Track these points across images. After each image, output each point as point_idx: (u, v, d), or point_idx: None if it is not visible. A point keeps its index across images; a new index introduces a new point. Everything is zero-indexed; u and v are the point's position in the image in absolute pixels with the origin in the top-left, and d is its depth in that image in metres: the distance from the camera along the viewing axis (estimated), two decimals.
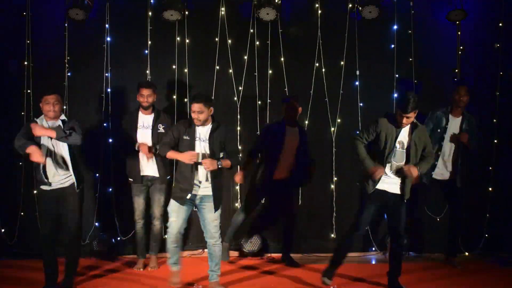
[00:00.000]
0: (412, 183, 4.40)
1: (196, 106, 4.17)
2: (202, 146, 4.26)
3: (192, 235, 5.75)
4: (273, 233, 5.75)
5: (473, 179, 5.43)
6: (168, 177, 5.22)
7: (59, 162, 4.31)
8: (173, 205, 4.32)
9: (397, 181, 4.35)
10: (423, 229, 5.77)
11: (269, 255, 5.67)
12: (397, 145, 4.31)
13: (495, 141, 5.75)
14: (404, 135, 4.33)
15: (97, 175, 5.64)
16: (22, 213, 5.58)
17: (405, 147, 4.31)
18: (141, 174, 5.06)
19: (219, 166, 4.20)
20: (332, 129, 5.88)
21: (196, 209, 4.41)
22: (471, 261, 5.46)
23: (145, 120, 5.09)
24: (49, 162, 4.28)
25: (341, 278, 4.75)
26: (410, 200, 4.44)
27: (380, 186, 4.33)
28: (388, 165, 4.32)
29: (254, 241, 5.62)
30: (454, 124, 5.19)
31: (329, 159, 5.85)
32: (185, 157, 4.16)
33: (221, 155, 4.33)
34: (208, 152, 4.25)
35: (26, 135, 4.23)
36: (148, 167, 5.06)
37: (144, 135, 5.05)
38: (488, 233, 5.74)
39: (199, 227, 5.47)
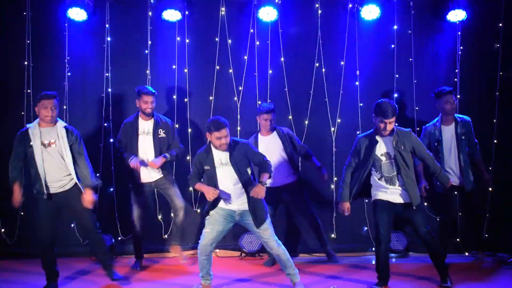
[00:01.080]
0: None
1: (224, 132, 4.11)
2: (224, 170, 4.20)
3: (193, 235, 5.76)
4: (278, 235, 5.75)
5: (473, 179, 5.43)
6: (173, 177, 5.26)
7: (59, 167, 4.30)
8: (211, 216, 4.28)
9: (398, 190, 4.31)
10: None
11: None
12: (382, 158, 4.29)
13: (495, 141, 5.75)
14: (388, 146, 4.29)
15: (97, 175, 5.63)
16: (22, 213, 5.58)
17: (392, 157, 4.28)
18: (143, 181, 5.07)
19: (266, 186, 4.13)
20: (332, 129, 5.88)
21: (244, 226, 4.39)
22: (471, 261, 5.45)
23: (145, 127, 5.08)
24: (47, 170, 4.27)
25: (341, 278, 4.76)
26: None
27: (383, 196, 4.34)
28: (382, 179, 4.32)
29: (254, 241, 5.62)
30: (447, 132, 5.11)
31: (329, 159, 5.84)
32: (207, 193, 4.14)
33: (249, 171, 4.26)
34: (234, 174, 4.18)
35: (16, 157, 4.33)
36: (149, 173, 5.06)
37: (145, 141, 5.05)
38: (488, 233, 5.74)
39: (200, 227, 5.49)
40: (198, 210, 5.77)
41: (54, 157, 4.28)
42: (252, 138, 5.30)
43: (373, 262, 5.54)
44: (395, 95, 5.85)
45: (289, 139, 5.25)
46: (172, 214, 5.72)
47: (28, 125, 4.39)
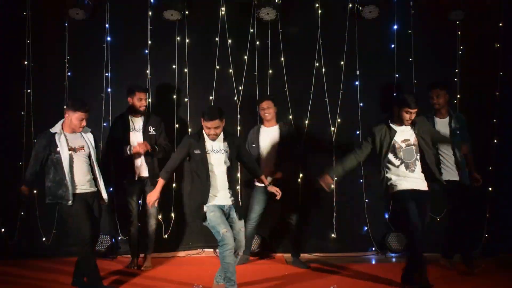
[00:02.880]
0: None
1: (211, 123, 4.08)
2: (216, 157, 4.18)
3: (191, 235, 5.76)
4: (273, 233, 5.76)
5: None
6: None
7: (86, 171, 4.30)
8: (215, 216, 4.10)
9: (420, 178, 4.39)
10: (423, 229, 5.76)
11: (273, 254, 5.67)
12: (402, 144, 4.38)
13: (495, 141, 5.75)
14: (406, 133, 4.41)
15: None
16: (22, 213, 5.59)
17: (412, 143, 4.39)
18: (136, 176, 5.05)
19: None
20: (332, 129, 5.87)
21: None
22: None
23: (136, 123, 5.10)
24: (75, 175, 4.24)
25: (341, 278, 4.76)
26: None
27: (405, 186, 4.36)
28: (402, 166, 4.37)
29: (254, 241, 5.61)
30: (442, 125, 5.09)
31: (329, 159, 5.84)
32: (150, 196, 4.20)
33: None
34: (225, 161, 4.18)
35: (37, 161, 4.22)
36: (139, 170, 5.05)
37: (136, 137, 5.05)
38: (488, 233, 5.74)
39: (198, 227, 5.49)
40: (173, 215, 5.76)
41: (83, 161, 4.30)
42: (256, 126, 5.37)
43: (373, 262, 5.58)
44: (395, 95, 5.85)
45: (285, 137, 5.23)
46: (171, 214, 5.75)
47: (52, 130, 4.28)
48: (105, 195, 4.40)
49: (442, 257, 5.25)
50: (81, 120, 4.28)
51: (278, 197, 4.33)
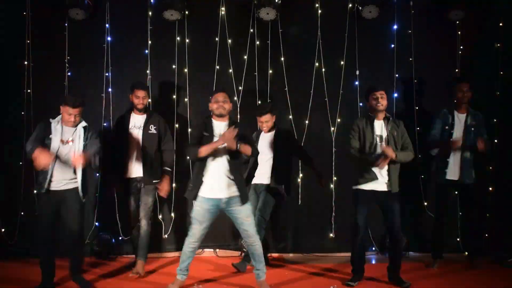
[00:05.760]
0: (384, 164, 4.33)
1: (221, 95, 4.29)
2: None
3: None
4: (273, 233, 5.76)
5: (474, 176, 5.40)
6: (154, 181, 4.99)
7: (68, 167, 4.27)
8: (197, 212, 4.23)
9: (383, 178, 4.40)
10: (422, 229, 5.77)
11: (269, 254, 5.66)
12: (377, 138, 4.43)
13: (495, 141, 5.75)
14: (381, 129, 4.46)
15: (97, 174, 5.64)
16: (22, 213, 5.59)
17: (384, 139, 4.42)
18: (129, 176, 4.98)
19: (238, 148, 4.09)
20: (332, 128, 5.88)
21: (226, 213, 4.32)
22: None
23: (137, 121, 5.04)
24: (57, 166, 4.24)
25: (342, 278, 4.76)
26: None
27: (367, 186, 4.40)
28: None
29: None
30: (459, 120, 5.14)
31: (329, 159, 5.84)
32: (225, 138, 4.03)
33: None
34: (228, 150, 4.18)
35: (37, 139, 4.21)
36: (135, 168, 4.98)
37: (135, 135, 5.00)
38: (488, 233, 5.74)
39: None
40: (173, 215, 5.77)
41: (68, 155, 4.27)
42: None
43: (373, 262, 5.58)
44: (395, 95, 5.85)
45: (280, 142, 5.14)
46: (171, 214, 5.75)
47: (51, 120, 4.34)
48: (80, 193, 4.31)
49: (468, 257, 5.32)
50: (69, 114, 4.24)
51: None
